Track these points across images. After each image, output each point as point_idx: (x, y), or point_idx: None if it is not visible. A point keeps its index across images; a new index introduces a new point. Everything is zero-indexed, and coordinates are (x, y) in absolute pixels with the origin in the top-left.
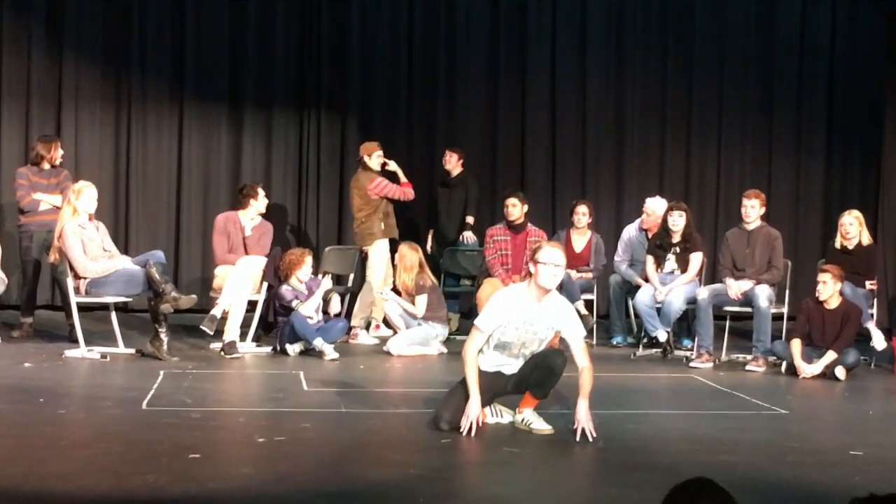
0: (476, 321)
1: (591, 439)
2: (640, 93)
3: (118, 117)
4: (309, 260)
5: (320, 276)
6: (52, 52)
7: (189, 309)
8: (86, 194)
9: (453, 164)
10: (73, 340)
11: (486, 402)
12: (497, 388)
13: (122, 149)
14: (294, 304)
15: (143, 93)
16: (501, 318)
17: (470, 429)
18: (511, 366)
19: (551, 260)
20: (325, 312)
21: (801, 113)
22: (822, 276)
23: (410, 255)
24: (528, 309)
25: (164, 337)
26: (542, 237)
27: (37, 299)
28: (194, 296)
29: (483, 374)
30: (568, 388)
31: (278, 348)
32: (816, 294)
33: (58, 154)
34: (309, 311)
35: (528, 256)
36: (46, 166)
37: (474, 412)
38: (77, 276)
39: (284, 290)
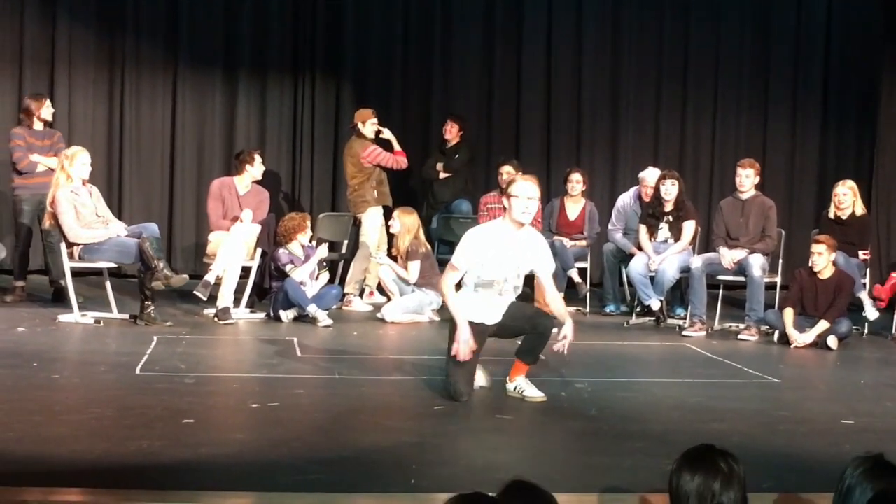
0: (452, 259)
1: (564, 353)
2: (635, 60)
3: (112, 81)
4: (309, 224)
5: (313, 242)
6: (45, 14)
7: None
8: (79, 159)
9: (454, 133)
10: (56, 302)
11: (472, 359)
12: (481, 341)
13: (115, 113)
14: (288, 268)
15: (137, 57)
16: (476, 256)
17: (465, 355)
18: (493, 310)
19: (524, 193)
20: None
21: (796, 83)
22: (816, 248)
23: (408, 218)
24: (505, 242)
25: (150, 309)
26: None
27: (29, 263)
28: (186, 276)
29: (471, 325)
30: (555, 356)
31: (272, 314)
32: (811, 265)
33: (47, 111)
34: (302, 276)
35: (502, 190)
36: (38, 126)
37: (465, 335)
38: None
39: (281, 252)
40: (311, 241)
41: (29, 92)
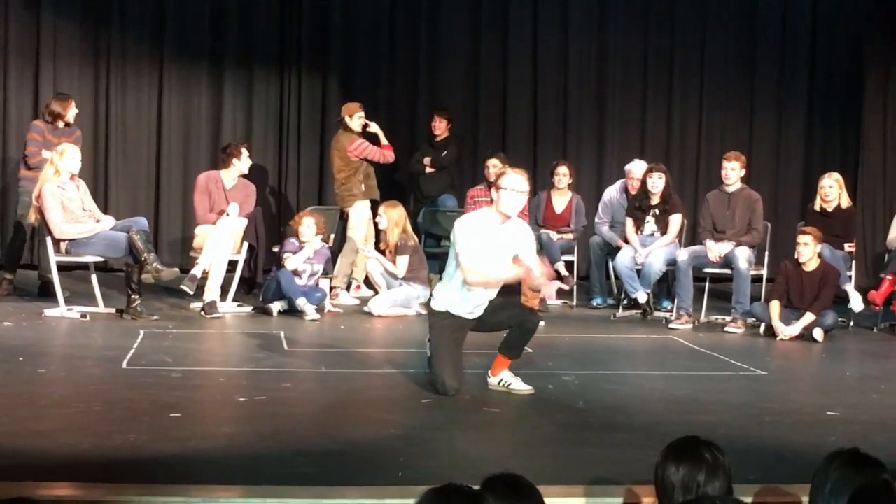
0: (462, 258)
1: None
2: (621, 53)
3: (97, 75)
4: (307, 220)
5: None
6: (29, 7)
7: None
8: (68, 154)
9: (442, 128)
10: (42, 296)
11: (457, 353)
12: (462, 335)
13: (101, 107)
14: (285, 255)
15: (123, 50)
16: (476, 240)
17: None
18: (473, 304)
19: (515, 186)
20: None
21: (782, 76)
22: (802, 238)
23: (394, 211)
24: (490, 235)
25: (136, 303)
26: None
27: (22, 257)
28: (176, 269)
29: (453, 318)
30: (541, 349)
31: (262, 300)
32: (796, 256)
33: (73, 113)
34: (296, 264)
35: (490, 183)
36: (61, 125)
37: (536, 272)
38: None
39: (290, 241)
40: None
41: (54, 94)
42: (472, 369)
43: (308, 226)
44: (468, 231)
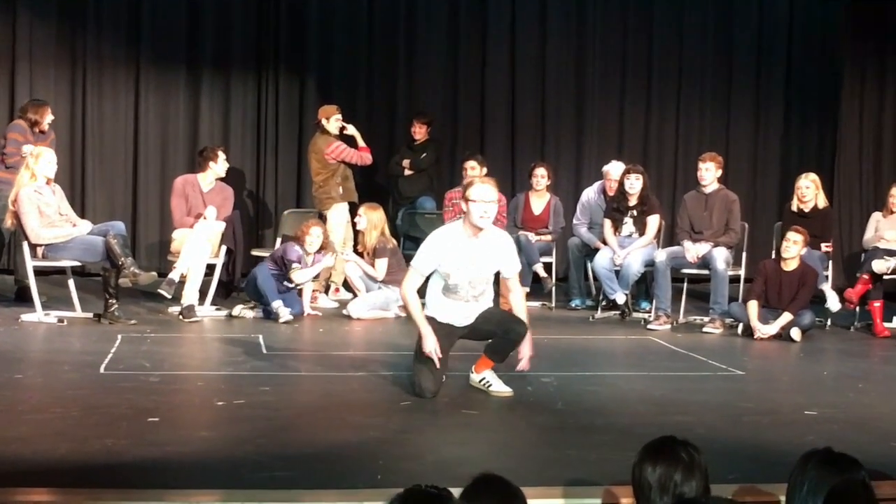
0: (413, 262)
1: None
2: (599, 54)
3: (74, 79)
4: (315, 231)
5: (323, 252)
6: (5, 11)
7: None
8: (44, 158)
9: (422, 133)
10: (19, 301)
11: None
12: (451, 342)
13: (77, 111)
14: (293, 266)
15: (99, 54)
16: (438, 258)
17: (438, 361)
18: (462, 315)
19: (482, 197)
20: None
21: (759, 77)
22: (792, 236)
23: (374, 214)
24: (465, 247)
25: (114, 307)
26: (501, 200)
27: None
28: (154, 273)
29: (436, 323)
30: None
31: (245, 292)
32: (781, 250)
33: (48, 119)
34: (302, 279)
35: (461, 193)
36: (37, 130)
37: (431, 345)
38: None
39: (295, 248)
40: (322, 251)
41: (29, 100)
42: (452, 372)
43: (317, 235)
44: (435, 246)
